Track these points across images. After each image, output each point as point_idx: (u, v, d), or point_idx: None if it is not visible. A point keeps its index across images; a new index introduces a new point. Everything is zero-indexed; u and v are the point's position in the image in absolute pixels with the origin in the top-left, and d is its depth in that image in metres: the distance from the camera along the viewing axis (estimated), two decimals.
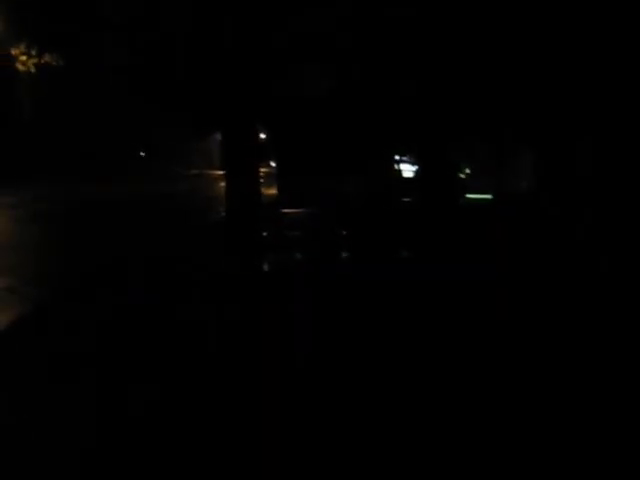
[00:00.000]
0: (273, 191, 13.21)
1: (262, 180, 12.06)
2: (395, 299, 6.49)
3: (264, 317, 3.69)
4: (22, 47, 20.38)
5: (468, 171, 14.62)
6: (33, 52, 20.15)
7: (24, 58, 20.86)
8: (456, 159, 12.37)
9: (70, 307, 6.64)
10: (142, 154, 29.81)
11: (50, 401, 4.21)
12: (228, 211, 9.61)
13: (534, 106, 10.68)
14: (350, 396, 4.23)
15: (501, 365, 4.90)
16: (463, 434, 3.77)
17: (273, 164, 17.17)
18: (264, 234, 9.64)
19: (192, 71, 9.65)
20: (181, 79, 9.91)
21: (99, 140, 26.59)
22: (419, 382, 4.52)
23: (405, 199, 12.25)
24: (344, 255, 8.95)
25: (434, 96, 10.30)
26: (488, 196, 13.94)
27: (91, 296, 7.05)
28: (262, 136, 14.64)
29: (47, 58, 20.86)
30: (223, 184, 11.06)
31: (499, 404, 4.20)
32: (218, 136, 12.18)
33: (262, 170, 13.22)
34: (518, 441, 3.68)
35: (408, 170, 14.72)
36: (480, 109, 10.74)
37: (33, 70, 21.41)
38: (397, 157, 13.87)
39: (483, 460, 3.48)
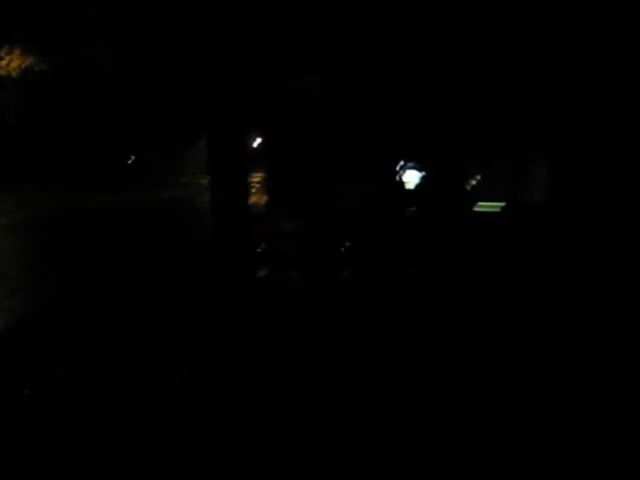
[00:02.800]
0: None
1: (258, 186, 11.19)
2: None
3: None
4: (4, 50, 19.71)
5: (479, 177, 13.71)
6: (16, 53, 19.59)
7: (5, 62, 20.16)
8: (466, 166, 11.51)
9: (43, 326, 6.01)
10: (130, 160, 28.99)
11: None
12: (213, 225, 8.69)
13: (560, 112, 9.88)
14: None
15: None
16: None
17: None
18: (259, 249, 8.79)
19: (181, 69, 8.76)
20: (170, 77, 9.02)
21: (87, 146, 25.82)
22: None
23: (410, 209, 11.36)
24: (346, 271, 8.06)
25: (446, 101, 9.40)
26: (500, 204, 13.12)
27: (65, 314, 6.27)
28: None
29: (29, 62, 20.21)
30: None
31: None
32: None
33: (258, 176, 12.40)
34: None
35: (414, 176, 13.73)
36: (497, 115, 9.90)
37: (15, 74, 20.69)
38: (402, 163, 12.90)
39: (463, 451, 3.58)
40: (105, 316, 6.24)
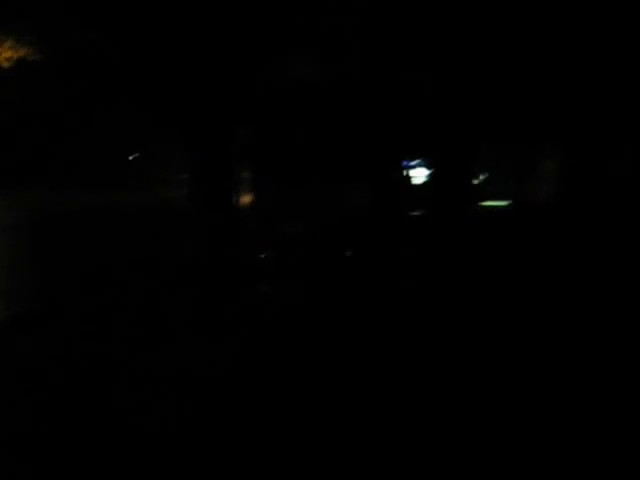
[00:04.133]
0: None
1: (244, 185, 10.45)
2: None
3: None
4: None
5: (485, 175, 13.16)
6: (7, 44, 19.11)
7: None
8: (473, 163, 10.90)
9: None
10: (130, 158, 28.53)
11: None
12: (195, 230, 8.01)
13: (572, 105, 9.30)
14: None
15: None
16: None
17: None
18: (261, 256, 8.20)
19: (163, 51, 8.03)
20: (153, 61, 8.32)
21: (86, 144, 25.31)
22: None
23: (415, 212, 10.73)
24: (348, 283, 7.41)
25: (459, 90, 8.72)
26: (504, 203, 12.65)
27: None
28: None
29: (23, 52, 19.75)
30: None
31: None
32: None
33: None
34: None
35: (422, 173, 13.06)
36: (507, 107, 9.28)
37: (7, 65, 20.22)
38: (407, 161, 12.25)
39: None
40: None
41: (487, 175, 12.90)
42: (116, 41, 8.42)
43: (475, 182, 12.10)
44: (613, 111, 9.75)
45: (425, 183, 12.36)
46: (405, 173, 12.28)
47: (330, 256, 8.21)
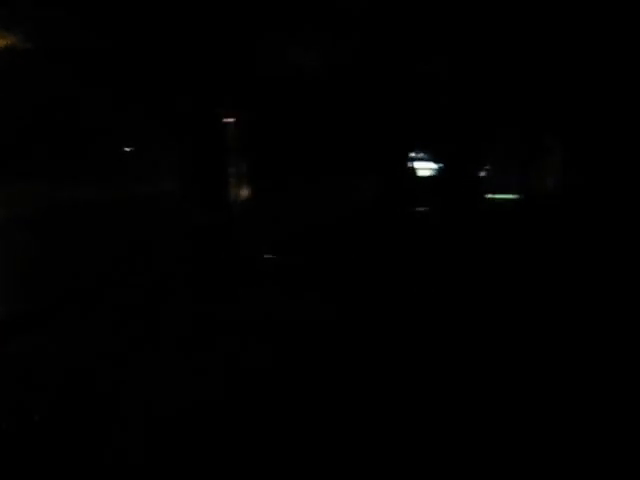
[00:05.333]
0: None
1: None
2: None
3: None
4: None
5: (488, 167, 13.02)
6: None
7: None
8: (479, 155, 10.73)
9: None
10: (126, 149, 28.19)
11: None
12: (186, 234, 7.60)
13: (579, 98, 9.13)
14: None
15: None
16: None
17: None
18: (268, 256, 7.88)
19: (150, 36, 7.67)
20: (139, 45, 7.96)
21: (78, 137, 24.90)
22: None
23: (420, 208, 10.46)
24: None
25: (469, 81, 8.45)
26: (511, 196, 12.55)
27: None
28: None
29: (11, 40, 19.47)
30: None
31: None
32: None
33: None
34: None
35: (424, 167, 12.81)
36: (516, 99, 9.06)
37: None
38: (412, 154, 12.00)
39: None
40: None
41: (490, 168, 12.78)
42: (103, 28, 8.07)
43: (482, 174, 11.96)
44: (616, 107, 9.62)
45: (431, 176, 12.16)
46: (410, 166, 12.05)
47: (331, 257, 7.91)
